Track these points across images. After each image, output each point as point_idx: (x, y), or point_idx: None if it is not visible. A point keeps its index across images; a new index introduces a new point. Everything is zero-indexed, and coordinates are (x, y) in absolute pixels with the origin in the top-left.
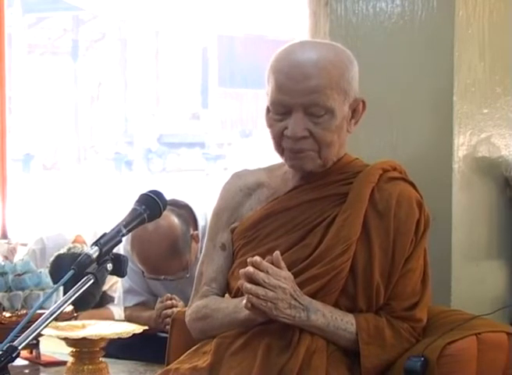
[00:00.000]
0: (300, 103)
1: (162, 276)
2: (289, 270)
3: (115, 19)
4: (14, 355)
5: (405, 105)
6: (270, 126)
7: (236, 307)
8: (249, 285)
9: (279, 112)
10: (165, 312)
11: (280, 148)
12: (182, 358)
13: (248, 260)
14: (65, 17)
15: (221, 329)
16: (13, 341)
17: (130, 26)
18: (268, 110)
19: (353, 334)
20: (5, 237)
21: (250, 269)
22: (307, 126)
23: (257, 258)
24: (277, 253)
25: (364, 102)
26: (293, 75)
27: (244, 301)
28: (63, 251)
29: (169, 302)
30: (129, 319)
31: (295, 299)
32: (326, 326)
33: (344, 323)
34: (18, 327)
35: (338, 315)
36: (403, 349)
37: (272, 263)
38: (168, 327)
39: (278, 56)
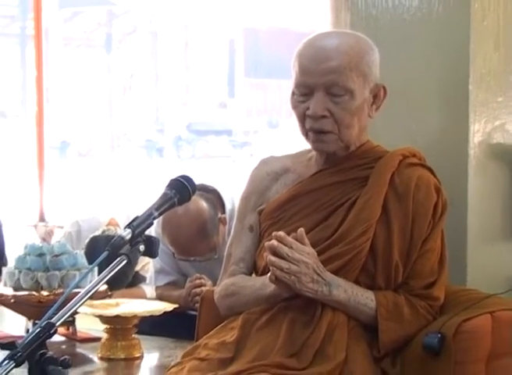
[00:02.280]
0: (321, 83)
1: (192, 258)
2: (313, 248)
3: (146, 13)
4: (52, 332)
5: (423, 93)
6: (294, 107)
7: (262, 284)
8: (273, 258)
9: (302, 93)
10: (194, 290)
11: (304, 130)
12: (210, 333)
13: (273, 234)
14: (99, 11)
15: (247, 305)
16: (51, 318)
17: (161, 19)
18: (292, 93)
19: (373, 310)
20: (42, 220)
21: (274, 242)
22: (327, 105)
23: (281, 232)
24: (301, 230)
25: (385, 88)
26: (315, 57)
27: (269, 274)
28: (98, 233)
29: (198, 282)
30: (160, 297)
31: (318, 274)
32: (347, 301)
33: (364, 298)
34: (55, 305)
35: (358, 291)
36: (420, 326)
37: (296, 239)
38: (197, 305)
39: (303, 44)
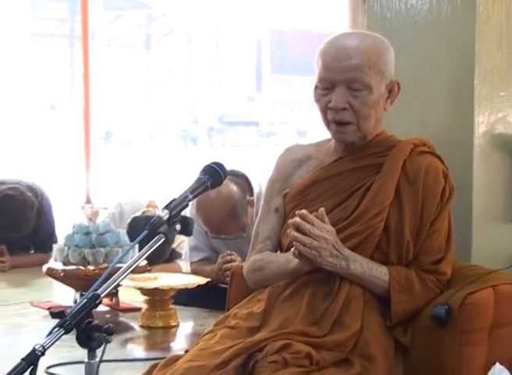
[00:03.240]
0: (342, 79)
1: (223, 236)
2: (335, 226)
3: (182, 16)
4: (97, 302)
5: (432, 88)
6: (317, 100)
7: (286, 259)
8: (296, 234)
9: (325, 87)
10: (225, 266)
11: (326, 121)
12: (239, 304)
13: (296, 212)
14: (139, 14)
15: (272, 279)
16: (97, 290)
17: (195, 21)
18: (316, 87)
19: (386, 283)
20: (89, 202)
21: (297, 219)
22: (347, 99)
23: (304, 211)
24: (322, 209)
25: (398, 84)
26: (337, 55)
27: (292, 249)
28: (138, 214)
29: (229, 258)
30: (194, 272)
31: (336, 250)
32: (363, 275)
33: (378, 272)
34: (100, 279)
35: (373, 265)
36: (429, 298)
37: (317, 218)
38: (227, 279)
39: (325, 43)
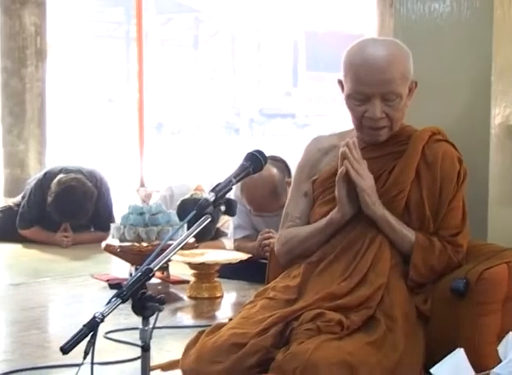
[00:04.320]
0: (378, 92)
1: (265, 214)
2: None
3: (226, 19)
4: (150, 275)
5: (453, 84)
6: (352, 110)
7: (316, 223)
8: (354, 164)
9: (359, 99)
10: (263, 242)
11: (360, 126)
12: (277, 279)
13: (342, 143)
14: (188, 17)
15: (304, 243)
16: (150, 265)
17: (238, 24)
18: (348, 97)
19: (412, 240)
20: (142, 185)
21: (346, 150)
22: (383, 109)
23: (354, 139)
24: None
25: (416, 83)
26: (369, 70)
27: (339, 173)
28: (187, 196)
29: (267, 235)
30: (237, 248)
31: (376, 197)
32: (396, 226)
33: (408, 229)
34: (153, 254)
35: (402, 223)
36: (446, 264)
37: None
38: (267, 254)
39: (354, 53)
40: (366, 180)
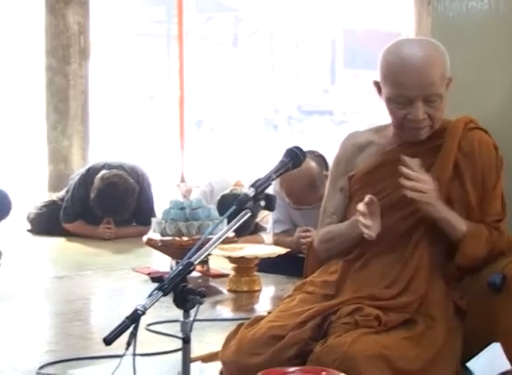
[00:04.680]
0: (420, 95)
1: (303, 206)
2: (398, 204)
3: (265, 18)
4: (191, 269)
5: (490, 83)
6: (393, 112)
7: (351, 227)
8: (408, 182)
9: (400, 102)
10: (301, 240)
11: (401, 126)
12: (315, 273)
13: (403, 158)
14: (227, 16)
15: (341, 245)
16: (190, 258)
17: (277, 22)
18: (389, 100)
19: (464, 229)
20: (183, 181)
21: (404, 169)
22: (425, 110)
23: (406, 158)
24: (417, 160)
25: (451, 79)
26: (410, 74)
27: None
28: (227, 191)
29: (305, 234)
30: (276, 243)
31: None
32: (452, 218)
33: (459, 218)
34: (194, 248)
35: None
36: (492, 249)
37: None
38: (303, 247)
39: (391, 56)
40: (428, 193)
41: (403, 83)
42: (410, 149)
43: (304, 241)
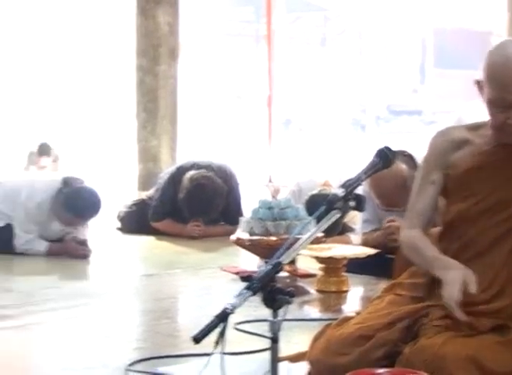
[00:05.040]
0: None
1: (394, 208)
2: (493, 208)
3: (354, 17)
4: (279, 269)
5: None
6: (492, 115)
7: (438, 265)
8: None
9: (501, 105)
10: (388, 230)
11: (500, 129)
12: (404, 275)
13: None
14: (316, 16)
15: (423, 265)
16: (279, 258)
17: (365, 21)
18: (489, 103)
19: None
20: (271, 180)
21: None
22: None
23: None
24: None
25: None
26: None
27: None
28: (315, 191)
29: (391, 223)
30: (364, 242)
31: None
32: None
33: None
34: (283, 248)
35: None
36: None
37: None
38: (393, 238)
39: (494, 58)
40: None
41: (505, 87)
42: (507, 150)
43: (389, 230)
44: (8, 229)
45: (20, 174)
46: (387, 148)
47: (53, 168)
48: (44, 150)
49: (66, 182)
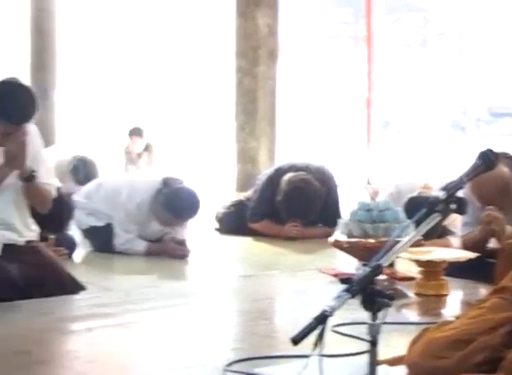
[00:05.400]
0: None
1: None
2: None
3: (454, 18)
4: (379, 271)
5: None
6: None
7: None
8: None
9: None
10: (486, 218)
11: None
12: (507, 278)
13: None
14: (416, 17)
15: None
16: (379, 261)
17: (466, 22)
18: None
19: None
20: (369, 182)
21: None
22: None
23: None
24: None
25: None
26: None
27: None
28: (414, 194)
29: (490, 213)
30: (464, 244)
31: None
32: None
33: None
34: (382, 251)
35: None
36: None
37: None
38: (493, 227)
39: None
40: None
41: None
42: None
43: (491, 214)
44: (108, 228)
45: (120, 174)
46: (490, 151)
47: (148, 160)
48: (135, 131)
49: (166, 182)
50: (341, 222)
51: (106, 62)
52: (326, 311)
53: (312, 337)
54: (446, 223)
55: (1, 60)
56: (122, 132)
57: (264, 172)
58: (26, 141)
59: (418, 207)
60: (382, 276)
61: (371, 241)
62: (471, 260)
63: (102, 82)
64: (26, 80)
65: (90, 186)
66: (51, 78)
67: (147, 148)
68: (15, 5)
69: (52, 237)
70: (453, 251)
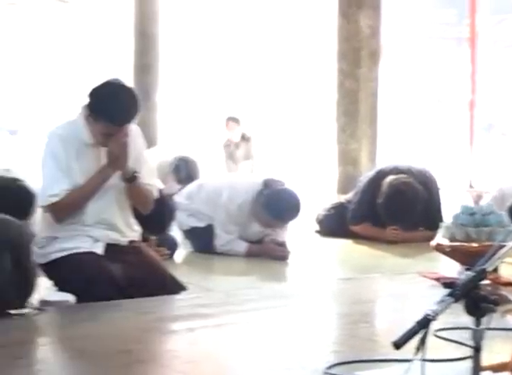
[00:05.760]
0: None
1: None
2: None
3: None
4: (483, 276)
5: None
6: None
7: None
8: None
9: None
10: None
11: None
12: None
13: None
14: None
15: None
16: (483, 265)
17: None
18: None
19: None
20: (471, 186)
21: None
22: None
23: None
24: None
25: None
26: None
27: None
28: None
29: None
30: None
31: None
32: None
33: None
34: (487, 255)
35: None
36: None
37: None
38: None
39: None
40: None
41: None
42: None
43: None
44: (209, 229)
45: (221, 175)
46: None
47: (246, 151)
48: (232, 118)
49: (267, 184)
50: (443, 225)
51: (208, 64)
52: (429, 315)
53: (414, 341)
54: None
55: (105, 62)
56: (222, 128)
57: (366, 174)
58: (128, 142)
59: None
60: (485, 281)
61: (474, 245)
62: None
63: (204, 83)
64: (129, 81)
65: (191, 187)
66: (154, 79)
67: (244, 138)
68: (119, 8)
69: (154, 237)
70: None
